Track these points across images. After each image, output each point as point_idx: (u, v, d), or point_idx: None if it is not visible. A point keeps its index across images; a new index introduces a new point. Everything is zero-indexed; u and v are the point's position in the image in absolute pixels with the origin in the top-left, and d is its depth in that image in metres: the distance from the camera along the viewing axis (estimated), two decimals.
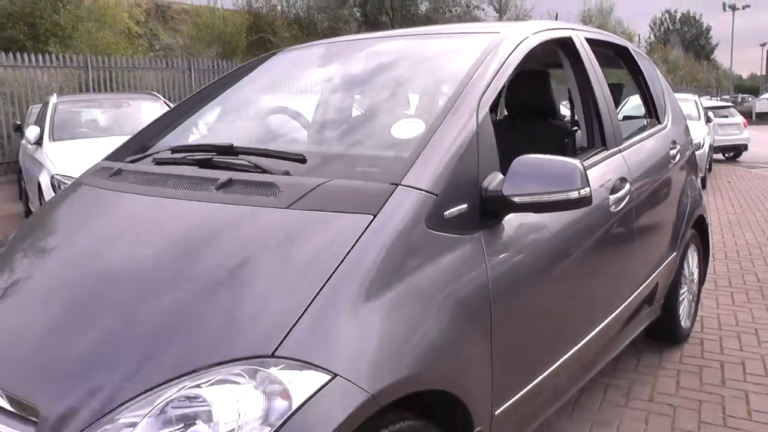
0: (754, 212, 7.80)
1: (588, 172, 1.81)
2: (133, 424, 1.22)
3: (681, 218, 3.19)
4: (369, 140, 2.07)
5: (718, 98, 37.51)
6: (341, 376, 1.28)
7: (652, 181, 2.84)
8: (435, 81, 2.25)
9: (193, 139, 2.62)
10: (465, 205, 1.70)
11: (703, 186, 9.97)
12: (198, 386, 1.23)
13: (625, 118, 3.72)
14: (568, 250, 2.11)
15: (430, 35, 2.60)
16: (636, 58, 3.30)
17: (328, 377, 1.27)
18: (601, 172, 2.39)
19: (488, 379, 1.71)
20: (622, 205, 2.46)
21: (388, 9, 26.79)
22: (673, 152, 3.16)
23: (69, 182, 5.14)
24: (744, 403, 2.85)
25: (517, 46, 2.15)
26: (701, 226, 3.59)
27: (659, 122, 3.29)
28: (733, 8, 44.69)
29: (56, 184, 5.26)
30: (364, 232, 1.48)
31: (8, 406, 1.34)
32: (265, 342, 1.29)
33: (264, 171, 1.77)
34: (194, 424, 1.20)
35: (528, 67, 2.44)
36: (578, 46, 2.60)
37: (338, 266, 1.41)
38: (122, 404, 1.25)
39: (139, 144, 2.55)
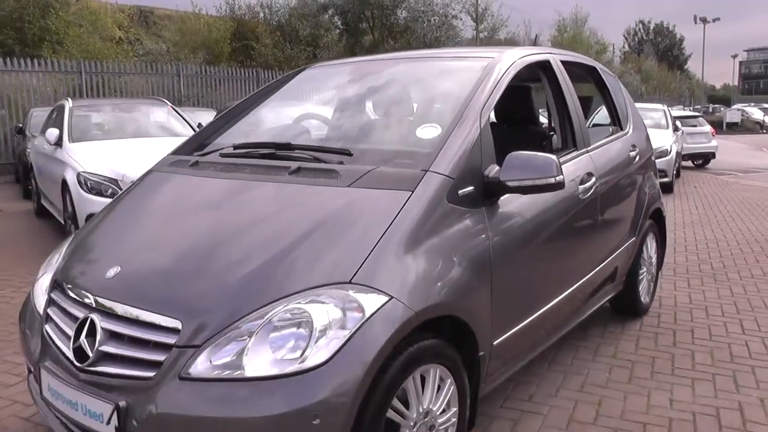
0: (715, 213, 8.54)
1: (563, 167, 2.43)
2: (251, 331, 1.79)
3: (639, 209, 3.83)
4: (400, 139, 2.68)
5: (691, 108, 38.82)
6: (395, 298, 1.87)
7: (614, 176, 3.48)
8: (446, 94, 2.85)
9: (239, 139, 3.18)
10: (472, 188, 2.31)
11: (670, 190, 10.74)
12: (299, 303, 1.81)
13: (595, 125, 4.36)
14: (546, 224, 2.73)
15: (440, 57, 3.23)
16: (602, 76, 3.95)
17: (387, 298, 1.86)
18: (572, 168, 3.02)
19: (489, 316, 2.31)
20: (588, 194, 3.08)
21: (368, 17, 27.49)
22: (632, 154, 3.80)
23: (94, 178, 5.65)
24: (690, 359, 3.49)
25: (509, 67, 2.77)
26: (659, 218, 4.24)
27: (622, 129, 3.93)
28: (704, 20, 46.28)
29: (83, 181, 5.74)
30: (405, 203, 2.08)
31: (157, 321, 1.89)
32: (344, 273, 1.87)
33: (322, 161, 2.36)
34: (298, 327, 1.78)
35: (514, 83, 3.05)
36: (554, 67, 3.23)
37: (389, 226, 2.01)
38: (242, 317, 1.82)
39: (197, 143, 3.13)
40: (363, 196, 2.14)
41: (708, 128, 15.50)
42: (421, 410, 2.02)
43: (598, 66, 4.01)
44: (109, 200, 5.60)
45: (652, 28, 69.94)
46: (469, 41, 35.42)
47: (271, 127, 3.29)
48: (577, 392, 3.07)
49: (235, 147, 2.79)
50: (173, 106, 7.93)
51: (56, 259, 2.59)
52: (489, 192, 2.38)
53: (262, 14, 26.80)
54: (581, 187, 3.02)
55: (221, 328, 1.81)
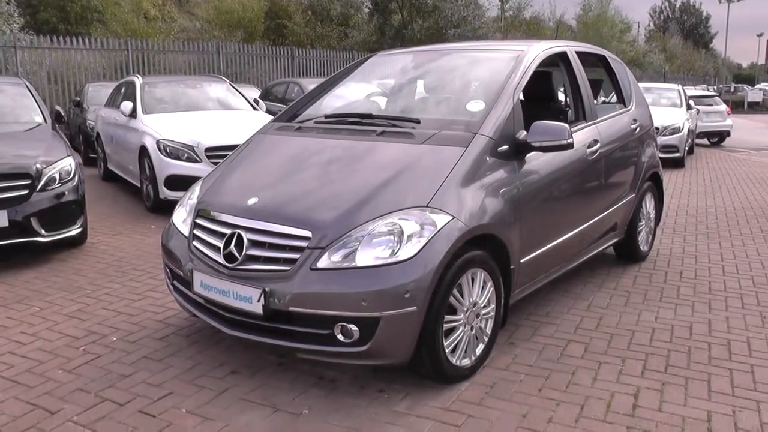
0: (720, 185, 9.27)
1: (573, 134, 3.28)
2: (362, 237, 2.69)
3: (639, 171, 4.66)
4: (454, 110, 3.56)
5: (714, 87, 38.78)
6: (456, 217, 2.76)
7: (616, 143, 4.31)
8: (487, 77, 3.70)
9: (325, 111, 4.06)
10: (507, 146, 3.18)
11: (682, 165, 11.45)
12: (393, 219, 2.70)
13: (604, 103, 5.17)
14: (560, 177, 3.59)
15: (480, 49, 4.09)
16: (610, 63, 4.77)
17: (450, 217, 2.75)
18: (582, 135, 3.86)
19: (518, 240, 3.18)
20: (594, 156, 3.93)
21: None
22: (633, 126, 4.63)
23: (172, 145, 6.56)
24: (676, 291, 4.34)
25: (534, 58, 3.62)
26: (657, 181, 5.07)
27: (625, 106, 4.75)
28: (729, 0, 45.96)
29: (162, 147, 6.67)
30: (461, 155, 2.97)
31: (293, 232, 2.79)
32: (422, 200, 2.77)
33: (398, 126, 3.25)
34: (392, 235, 2.67)
35: (539, 69, 3.89)
36: (570, 56, 4.06)
37: (451, 170, 2.89)
38: (353, 229, 2.72)
39: (290, 114, 4.02)
40: (432, 150, 3.03)
41: (723, 107, 16.05)
42: (470, 301, 2.92)
43: (607, 54, 4.82)
44: (185, 164, 6.58)
45: (678, 6, 69.20)
46: (494, 20, 35.79)
47: (350, 101, 4.18)
48: (583, 311, 3.96)
49: (326, 117, 3.69)
50: (231, 83, 8.83)
51: (189, 198, 3.50)
52: (519, 150, 3.25)
53: None
54: (588, 150, 3.87)
55: (338, 236, 2.71)
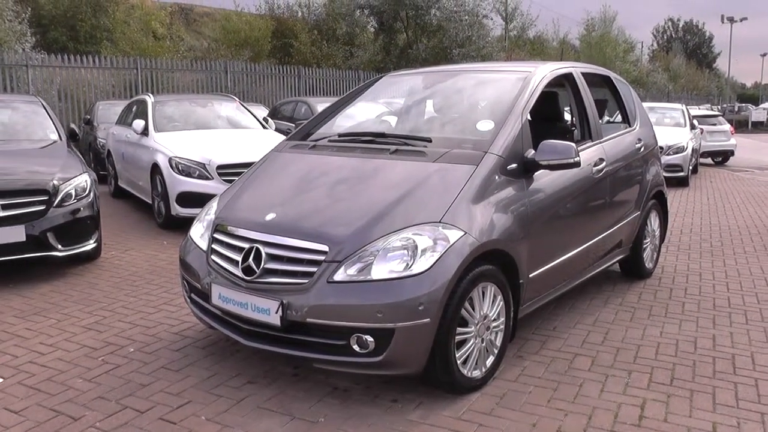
0: (724, 204, 9.36)
1: (580, 153, 3.39)
2: (377, 251, 2.78)
3: (643, 189, 4.76)
4: (464, 130, 3.67)
5: (719, 106, 38.95)
6: (467, 233, 2.86)
7: (621, 162, 4.41)
8: (495, 98, 3.82)
9: (338, 130, 4.18)
10: (516, 164, 3.29)
11: (686, 184, 11.55)
12: (407, 234, 2.80)
13: (608, 122, 5.29)
14: (567, 194, 3.69)
15: (489, 70, 4.22)
16: (615, 83, 4.89)
17: (462, 233, 2.85)
18: (588, 154, 3.97)
19: (526, 255, 3.28)
20: (600, 174, 4.04)
21: (402, 17, 28.49)
22: (638, 145, 4.73)
23: (184, 162, 6.69)
24: (680, 307, 4.42)
25: (541, 79, 3.74)
26: (661, 199, 5.16)
27: (630, 125, 4.86)
28: (731, 20, 46.35)
29: (174, 164, 6.81)
30: (472, 173, 3.07)
31: (310, 246, 2.89)
32: (435, 216, 2.87)
33: (410, 145, 3.37)
34: (406, 249, 2.77)
35: (546, 90, 4.01)
36: (576, 77, 4.19)
37: (462, 187, 3.00)
38: (368, 243, 2.82)
39: (303, 132, 4.14)
40: (444, 168, 3.14)
41: (727, 127, 16.18)
42: (481, 314, 3.01)
43: (612, 75, 4.95)
44: (196, 181, 6.71)
45: (681, 26, 69.75)
46: (498, 39, 36.18)
47: (362, 121, 4.30)
48: (590, 326, 4.03)
49: (340, 135, 3.81)
50: (241, 102, 8.99)
51: (206, 214, 3.61)
52: (527, 168, 3.36)
53: (299, 13, 27.88)
54: (594, 168, 3.98)
55: (354, 251, 2.81)
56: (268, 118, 9.22)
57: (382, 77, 4.57)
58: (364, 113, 4.38)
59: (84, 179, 5.33)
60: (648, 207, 4.88)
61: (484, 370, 3.08)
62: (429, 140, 3.44)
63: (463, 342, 2.93)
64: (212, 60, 18.55)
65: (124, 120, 9.16)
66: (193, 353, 3.55)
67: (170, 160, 6.87)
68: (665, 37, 70.34)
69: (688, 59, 58.86)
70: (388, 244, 2.79)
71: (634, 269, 4.97)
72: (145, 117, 7.93)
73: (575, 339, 3.80)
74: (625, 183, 4.47)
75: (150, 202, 7.52)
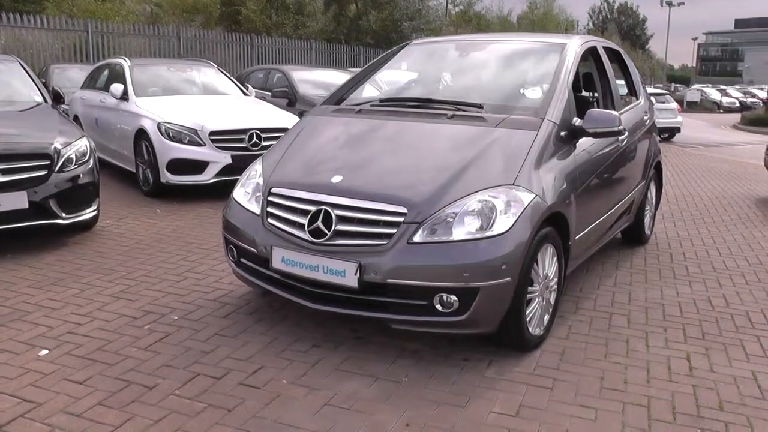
0: (688, 178, 9.86)
1: None
2: (455, 212, 2.84)
3: (648, 160, 5.00)
4: (512, 97, 3.75)
5: (653, 86, 40.55)
6: (538, 196, 2.95)
7: (636, 133, 4.62)
8: (538, 66, 3.91)
9: (373, 95, 4.17)
10: (565, 132, 3.40)
11: None
12: (484, 196, 2.87)
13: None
14: (602, 160, 3.85)
15: (523, 40, 4.29)
16: (624, 57, 5.08)
17: (534, 195, 2.94)
18: None
19: (575, 219, 3.41)
20: (623, 144, 4.22)
21: None
22: (645, 118, 4.96)
23: (175, 128, 6.47)
24: (685, 269, 4.70)
25: (577, 50, 3.86)
26: (658, 169, 5.43)
27: (636, 99, 5.08)
28: (670, 4, 48.11)
29: (163, 130, 6.55)
30: (534, 138, 3.16)
31: (388, 209, 2.91)
32: (509, 179, 2.95)
33: (465, 111, 3.41)
34: (484, 210, 2.84)
35: None
36: (600, 51, 4.33)
37: (528, 151, 3.08)
38: (446, 205, 2.87)
39: (337, 97, 4.11)
40: (507, 133, 3.21)
41: (674, 105, 16.96)
42: (543, 273, 3.13)
43: (620, 49, 5.13)
44: (188, 147, 6.52)
45: (616, 7, 71.87)
46: (446, 14, 36.32)
47: (393, 87, 4.30)
48: (611, 287, 4.24)
49: (382, 101, 3.81)
50: (219, 68, 8.73)
51: (250, 178, 3.54)
52: (575, 135, 3.48)
53: None
54: (620, 137, 4.15)
55: (432, 213, 2.86)
56: (248, 85, 8.99)
57: (405, 45, 4.57)
58: (395, 79, 4.37)
59: (84, 143, 5.09)
60: (650, 176, 5.13)
61: (542, 328, 3.21)
62: (480, 106, 3.49)
63: (529, 301, 3.04)
64: (163, 26, 17.80)
65: (93, 84, 8.73)
66: (242, 320, 3.52)
67: (159, 125, 6.62)
68: (600, 18, 72.34)
69: (622, 40, 60.87)
70: (466, 206, 2.85)
71: (635, 236, 5.23)
72: (123, 81, 7.58)
73: (604, 299, 4.00)
74: (638, 153, 4.69)
75: (132, 170, 7.24)
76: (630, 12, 70.96)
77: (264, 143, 6.91)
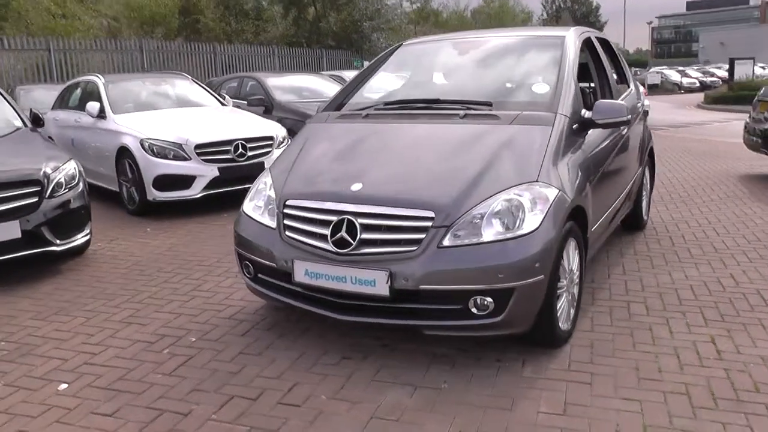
0: (668, 159, 9.95)
1: None
2: (482, 213, 2.81)
3: (643, 147, 5.07)
4: (520, 93, 3.74)
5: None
6: (562, 191, 2.95)
7: (633, 121, 4.66)
8: (540, 60, 3.91)
9: (367, 97, 4.11)
10: (577, 124, 3.41)
11: None
12: (509, 195, 2.85)
13: None
14: (610, 151, 3.87)
15: (517, 36, 4.28)
16: (612, 46, 5.13)
17: (558, 191, 2.93)
18: None
19: (591, 210, 3.42)
20: (625, 132, 4.26)
21: None
22: (638, 105, 5.02)
23: (159, 144, 6.31)
24: (687, 252, 4.75)
25: (576, 42, 3.88)
26: (652, 155, 5.51)
27: (628, 86, 5.13)
28: None
29: (147, 146, 6.39)
30: (550, 133, 3.15)
31: (414, 214, 2.86)
32: (531, 176, 2.93)
33: (476, 109, 3.39)
34: (512, 209, 2.82)
35: None
36: (594, 41, 4.36)
37: (546, 147, 3.07)
38: (473, 207, 2.84)
39: (337, 103, 4.05)
40: (523, 129, 3.20)
41: (641, 88, 17.22)
42: (569, 268, 3.12)
43: (608, 39, 5.17)
44: (174, 162, 6.37)
45: None
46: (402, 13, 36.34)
47: (394, 89, 4.26)
48: (622, 275, 4.27)
49: (386, 104, 3.76)
50: (194, 79, 8.57)
51: (259, 190, 3.46)
52: (585, 127, 3.49)
53: None
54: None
55: (460, 215, 2.82)
56: (225, 95, 8.84)
57: (398, 47, 4.53)
58: (391, 83, 4.33)
59: (72, 166, 4.94)
60: (646, 161, 5.19)
61: (569, 322, 3.21)
62: (489, 104, 3.47)
63: (558, 297, 3.04)
64: (125, 40, 17.43)
65: (65, 104, 8.47)
66: (263, 336, 3.44)
67: (142, 142, 6.46)
68: (554, 7, 73.20)
69: None
70: (492, 206, 2.83)
71: (633, 221, 5.29)
72: (98, 99, 7.38)
73: (617, 288, 4.02)
74: (636, 140, 4.74)
75: (115, 189, 7.05)
76: (583, 0, 71.96)
77: (250, 153, 6.82)
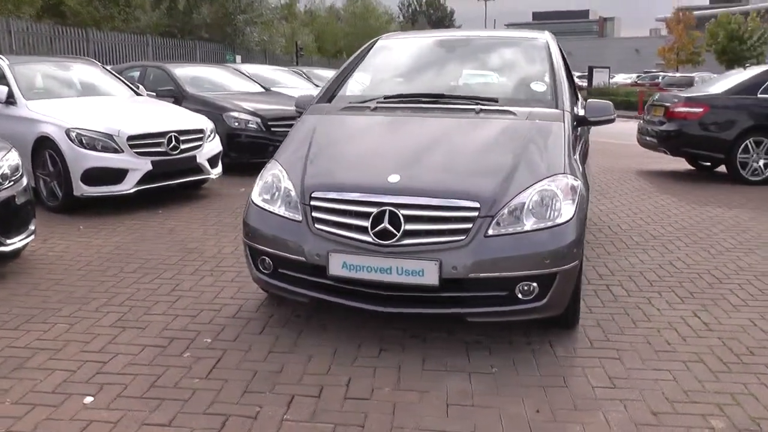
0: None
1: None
2: (522, 203, 2.98)
3: (587, 142, 5.51)
4: (520, 90, 3.94)
5: None
6: (579, 179, 3.19)
7: None
8: (530, 60, 4.15)
9: (357, 91, 4.14)
10: (575, 121, 3.70)
11: None
12: (543, 185, 3.03)
13: None
14: (584, 143, 4.26)
15: (497, 36, 4.54)
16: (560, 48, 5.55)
17: (580, 181, 3.18)
18: None
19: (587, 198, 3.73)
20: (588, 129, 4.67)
21: None
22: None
23: (89, 134, 5.82)
24: (630, 239, 5.28)
25: (555, 43, 4.19)
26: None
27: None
28: None
29: (74, 137, 5.81)
30: (564, 129, 3.40)
31: (460, 204, 2.94)
32: (558, 168, 3.14)
33: (485, 105, 3.56)
34: (548, 199, 3.01)
35: None
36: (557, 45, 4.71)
37: (564, 142, 3.31)
38: (512, 198, 2.99)
39: (327, 96, 4.05)
40: (541, 125, 3.41)
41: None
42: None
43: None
44: (105, 155, 5.90)
45: (425, 0, 75.54)
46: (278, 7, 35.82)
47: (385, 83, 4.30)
48: (587, 262, 4.64)
49: (386, 97, 3.82)
50: (104, 66, 7.93)
51: (273, 184, 3.35)
52: (579, 123, 3.81)
53: None
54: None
55: (501, 206, 2.96)
56: (139, 84, 8.27)
57: (376, 41, 4.58)
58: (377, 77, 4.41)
59: (14, 157, 4.43)
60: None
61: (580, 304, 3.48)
62: (496, 100, 3.66)
63: None
64: None
65: None
66: (283, 334, 3.35)
67: (68, 132, 5.88)
68: (410, 10, 75.66)
69: None
70: (531, 197, 3.00)
71: None
72: (5, 83, 6.58)
73: (591, 273, 4.39)
74: (586, 136, 5.18)
75: (31, 184, 6.34)
76: (438, 5, 75.00)
77: (183, 146, 6.48)
